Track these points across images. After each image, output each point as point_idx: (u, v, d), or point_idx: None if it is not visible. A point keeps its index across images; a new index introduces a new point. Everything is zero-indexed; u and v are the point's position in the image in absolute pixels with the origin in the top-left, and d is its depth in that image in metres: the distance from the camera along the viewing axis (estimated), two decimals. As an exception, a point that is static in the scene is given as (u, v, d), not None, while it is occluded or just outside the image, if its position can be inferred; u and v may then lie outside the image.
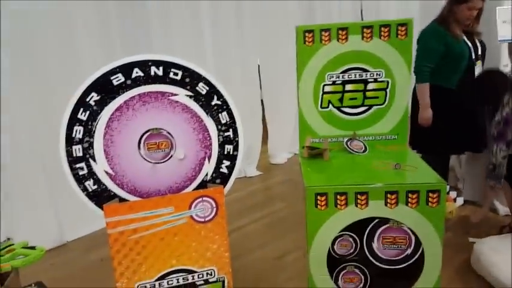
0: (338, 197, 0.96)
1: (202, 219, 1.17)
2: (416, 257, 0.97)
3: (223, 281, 1.22)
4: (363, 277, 1.01)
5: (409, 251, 0.97)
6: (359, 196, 0.95)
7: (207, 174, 1.20)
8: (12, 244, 1.17)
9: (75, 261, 2.31)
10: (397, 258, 0.98)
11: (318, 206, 0.97)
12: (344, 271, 1.01)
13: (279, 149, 3.44)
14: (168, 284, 1.18)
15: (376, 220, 0.97)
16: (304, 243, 2.20)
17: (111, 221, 1.12)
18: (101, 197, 1.13)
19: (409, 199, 0.94)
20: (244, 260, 2.08)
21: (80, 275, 2.14)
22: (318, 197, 0.97)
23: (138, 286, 1.16)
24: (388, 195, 0.95)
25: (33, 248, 1.18)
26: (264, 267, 2.01)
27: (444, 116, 1.84)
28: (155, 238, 1.15)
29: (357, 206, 0.96)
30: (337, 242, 0.99)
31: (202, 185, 1.20)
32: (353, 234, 0.98)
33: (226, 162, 1.20)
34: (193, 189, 1.19)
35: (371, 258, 0.99)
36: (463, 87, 1.84)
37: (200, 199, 1.15)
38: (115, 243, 1.13)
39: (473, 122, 1.99)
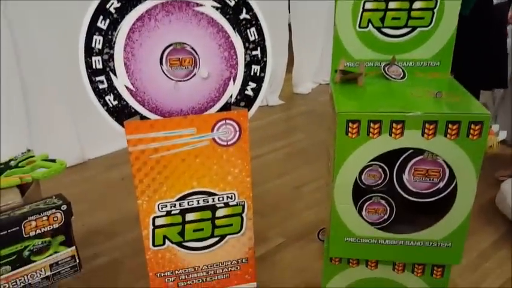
0: (371, 124, 0.90)
1: (225, 143, 1.13)
2: (448, 191, 0.93)
3: (244, 205, 1.21)
4: (388, 208, 0.97)
5: (441, 185, 0.93)
6: (394, 125, 0.89)
7: (231, 96, 1.14)
8: (33, 156, 1.16)
9: (95, 178, 2.36)
10: (427, 191, 0.94)
11: (349, 134, 0.92)
12: (369, 202, 0.98)
13: (303, 78, 3.32)
14: (188, 204, 1.17)
15: (410, 151, 0.91)
16: (322, 174, 2.18)
17: (132, 138, 1.09)
18: (121, 113, 1.09)
19: (449, 130, 0.87)
20: (263, 188, 2.09)
21: (100, 192, 2.19)
22: (350, 124, 0.91)
23: (158, 205, 1.16)
24: (426, 125, 0.88)
25: (53, 161, 1.17)
26: (282, 195, 2.02)
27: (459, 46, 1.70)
28: (176, 159, 1.12)
29: (390, 135, 0.90)
30: (365, 171, 0.95)
31: (226, 107, 1.15)
32: (383, 165, 0.93)
33: (252, 84, 1.13)
34: (217, 111, 1.14)
35: (399, 190, 0.95)
36: (480, 14, 1.68)
37: (223, 122, 1.11)
38: (136, 161, 1.11)
39: (493, 54, 1.85)
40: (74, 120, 2.43)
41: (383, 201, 0.97)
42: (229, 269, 1.27)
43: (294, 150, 2.47)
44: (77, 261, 1.05)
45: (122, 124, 1.10)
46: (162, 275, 1.24)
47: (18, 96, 2.20)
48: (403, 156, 0.92)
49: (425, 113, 0.88)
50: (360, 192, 0.97)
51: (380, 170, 0.94)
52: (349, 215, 0.99)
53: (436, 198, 0.94)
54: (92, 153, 2.55)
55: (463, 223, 0.94)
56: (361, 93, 1.03)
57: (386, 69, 1.09)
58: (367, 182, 0.96)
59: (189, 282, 1.26)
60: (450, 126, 0.87)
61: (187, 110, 1.14)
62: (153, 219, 1.17)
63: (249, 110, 1.14)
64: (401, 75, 1.08)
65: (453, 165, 0.91)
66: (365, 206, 0.98)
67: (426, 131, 0.89)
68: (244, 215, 1.22)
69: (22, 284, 0.96)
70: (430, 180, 0.93)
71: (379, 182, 0.96)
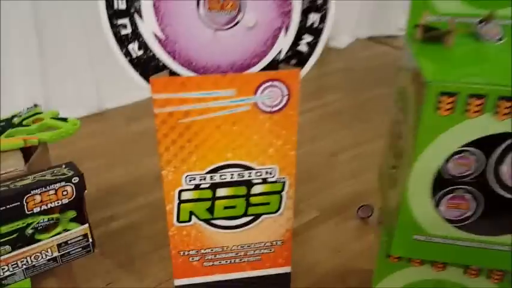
0: (473, 100, 0.69)
1: (269, 109, 0.93)
2: (557, 190, 0.73)
3: (284, 183, 1.03)
4: (474, 204, 0.78)
5: (549, 182, 0.73)
6: (502, 102, 0.68)
7: (280, 52, 0.93)
8: (40, 112, 0.98)
9: (113, 131, 2.20)
10: (529, 188, 0.74)
11: (440, 110, 0.71)
12: (451, 195, 0.79)
13: (340, 31, 3.01)
14: (220, 178, 1.00)
15: (517, 137, 0.71)
16: (361, 140, 1.97)
17: (159, 98, 0.90)
18: (147, 66, 0.90)
19: None
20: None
21: (118, 146, 2.04)
22: (443, 98, 0.70)
23: (186, 177, 0.98)
24: (546, 106, 0.67)
25: (64, 120, 0.99)
26: (315, 163, 1.84)
27: None
28: (210, 125, 0.93)
29: (495, 114, 0.69)
30: (453, 158, 0.75)
31: (273, 65, 0.94)
32: (478, 152, 0.73)
33: (308, 38, 0.92)
34: (261, 70, 0.93)
35: (493, 183, 0.75)
36: None
37: (269, 83, 0.90)
38: (162, 125, 0.92)
39: None
40: (92, 64, 2.23)
41: (468, 196, 0.78)
42: (262, 251, 1.12)
43: (329, 112, 2.25)
44: (90, 240, 0.90)
45: (147, 79, 0.90)
46: (186, 253, 1.09)
47: (32, 37, 2.00)
48: (506, 143, 0.72)
49: (549, 89, 0.66)
50: (441, 184, 0.78)
51: (473, 158, 0.74)
52: (423, 209, 0.80)
53: (539, 198, 0.74)
54: (110, 103, 2.37)
55: None
56: (451, 57, 0.81)
57: (480, 27, 0.85)
58: (454, 171, 0.76)
59: (215, 262, 1.11)
60: None
61: (227, 67, 0.93)
62: (179, 192, 1.00)
63: (301, 69, 0.93)
64: (499, 37, 0.85)
65: None
66: (444, 200, 0.79)
67: (545, 113, 0.68)
68: (284, 193, 1.04)
69: (25, 266, 0.82)
70: (535, 175, 0.73)
71: (469, 172, 0.76)
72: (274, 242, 1.11)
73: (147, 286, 1.29)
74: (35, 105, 1.00)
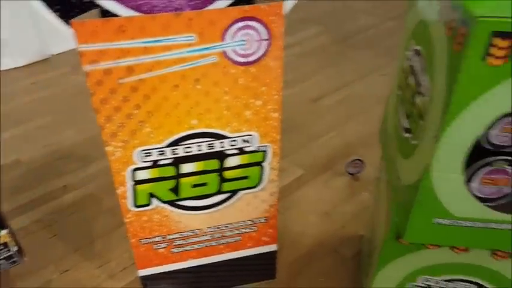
0: (537, 43, 0.47)
1: (243, 59, 0.69)
2: None
3: (266, 151, 0.82)
4: (516, 180, 0.60)
5: None
6: None
7: (253, -22, 0.67)
8: None
9: (61, 81, 1.90)
10: None
11: (490, 57, 0.49)
12: (488, 168, 0.59)
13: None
14: (184, 151, 0.78)
15: None
16: (346, 81, 1.74)
17: (89, 50, 0.64)
18: (68, 3, 0.63)
19: None
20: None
21: (67, 100, 1.75)
22: (496, 40, 0.48)
23: (140, 152, 0.76)
24: None
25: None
26: (296, 111, 1.62)
27: None
28: (165, 84, 0.69)
29: None
30: (499, 124, 0.55)
31: (245, -3, 0.69)
32: (534, 115, 0.53)
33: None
34: (231, 5, 0.68)
35: (547, 154, 0.56)
36: None
37: (242, 23, 0.66)
38: (98, 88, 0.68)
39: None
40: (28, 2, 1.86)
41: (510, 169, 0.59)
42: (242, 230, 0.93)
43: (309, 49, 1.99)
44: (14, 249, 0.68)
45: (68, 22, 0.64)
46: (149, 241, 0.89)
47: None
48: None
49: None
50: (477, 155, 0.58)
51: (525, 122, 0.54)
52: (450, 187, 0.62)
53: None
54: (56, 47, 2.03)
55: None
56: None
57: None
58: (498, 140, 0.56)
59: (187, 248, 0.93)
60: None
61: (181, 2, 0.67)
62: (133, 171, 0.78)
63: (284, 2, 0.68)
64: None
65: None
66: (479, 174, 0.60)
67: None
68: (266, 164, 0.84)
69: None
70: None
71: (517, 141, 0.56)
72: (257, 220, 0.92)
73: (110, 272, 1.10)
74: None
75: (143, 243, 0.89)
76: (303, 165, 1.37)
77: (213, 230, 0.91)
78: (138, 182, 0.80)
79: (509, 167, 0.59)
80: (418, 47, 0.67)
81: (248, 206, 0.89)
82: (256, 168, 0.84)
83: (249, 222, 0.92)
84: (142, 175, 0.79)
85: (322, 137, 1.48)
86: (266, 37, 0.68)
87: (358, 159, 1.30)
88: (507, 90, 0.51)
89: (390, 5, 2.23)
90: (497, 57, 0.49)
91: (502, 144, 0.56)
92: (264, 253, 0.99)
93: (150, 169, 0.79)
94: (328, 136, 1.48)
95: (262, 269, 1.04)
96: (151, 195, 0.82)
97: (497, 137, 0.56)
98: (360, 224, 1.16)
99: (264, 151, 0.82)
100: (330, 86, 1.70)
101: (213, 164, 0.81)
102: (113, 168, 0.77)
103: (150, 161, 0.77)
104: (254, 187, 0.87)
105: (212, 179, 0.83)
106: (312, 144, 1.46)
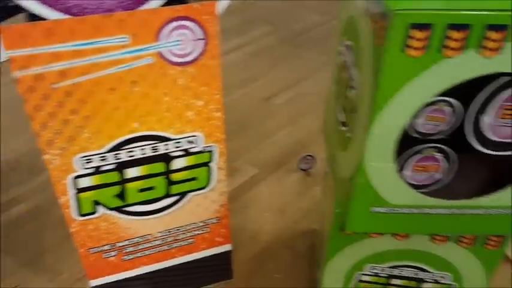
0: (451, 33, 0.50)
1: (180, 59, 0.69)
2: (546, 139, 0.59)
3: (212, 152, 0.82)
4: (445, 165, 0.63)
5: (538, 131, 0.58)
6: (489, 33, 0.50)
7: (185, -22, 0.67)
8: None
9: (5, 89, 1.81)
10: (513, 140, 0.59)
11: (409, 49, 0.51)
12: (418, 156, 0.62)
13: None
14: (127, 155, 0.76)
15: (505, 79, 0.54)
16: (297, 79, 1.78)
17: (19, 55, 0.62)
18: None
19: None
20: (223, 101, 1.67)
21: (11, 108, 1.68)
22: (413, 32, 0.50)
23: (80, 159, 0.74)
24: (543, 34, 0.50)
25: None
26: (248, 110, 1.63)
27: None
28: (100, 88, 0.68)
29: (480, 51, 0.51)
30: (424, 113, 0.57)
31: (178, -3, 0.69)
32: (455, 102, 0.56)
33: (222, -44, 0.66)
34: (164, 5, 0.67)
35: (471, 138, 0.60)
36: None
37: (175, 23, 0.66)
38: (30, 94, 0.66)
39: None
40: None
41: (439, 155, 0.62)
42: (195, 232, 0.93)
43: (259, 49, 2.01)
44: None
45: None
46: (98, 250, 0.87)
47: None
48: (490, 86, 0.55)
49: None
50: (406, 144, 0.61)
51: (448, 109, 0.57)
52: (384, 176, 0.64)
53: (524, 150, 0.60)
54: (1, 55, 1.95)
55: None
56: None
57: None
58: (424, 128, 0.59)
59: (138, 254, 0.91)
60: None
61: (111, 3, 0.66)
62: (74, 179, 0.76)
63: (218, 1, 0.68)
64: None
65: None
66: (410, 162, 0.63)
67: (541, 43, 0.51)
68: (213, 164, 0.84)
69: None
70: (524, 123, 0.58)
71: (442, 128, 0.59)
72: (209, 221, 0.92)
73: (62, 285, 1.06)
74: None
75: (92, 253, 0.87)
76: (257, 164, 1.38)
77: (164, 234, 0.90)
78: (80, 190, 0.78)
79: (438, 154, 0.62)
80: (349, 42, 0.69)
81: (198, 208, 0.89)
82: (203, 169, 0.84)
83: (201, 224, 0.92)
84: (84, 182, 0.77)
85: (275, 135, 1.50)
86: (202, 36, 0.68)
87: (309, 155, 1.32)
88: (427, 80, 0.54)
89: (337, 4, 2.28)
90: (415, 49, 0.51)
91: (428, 132, 0.59)
92: (218, 254, 0.99)
93: (92, 176, 0.77)
94: (281, 134, 1.49)
95: (218, 270, 1.03)
96: (96, 203, 0.80)
97: (423, 126, 0.59)
98: (313, 218, 1.18)
99: (210, 151, 0.82)
100: (280, 84, 1.72)
101: (159, 167, 0.80)
102: (53, 177, 0.75)
103: (92, 167, 0.76)
104: (203, 188, 0.86)
105: (159, 183, 0.82)
106: (265, 142, 1.47)
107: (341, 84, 0.75)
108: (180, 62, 0.70)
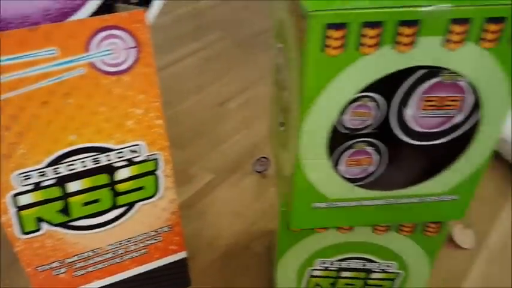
0: (366, 30, 0.52)
1: (114, 68, 0.69)
2: (467, 127, 0.62)
3: (157, 160, 0.81)
4: (376, 158, 0.65)
5: (458, 119, 0.61)
6: (403, 29, 0.53)
7: (113, -13, 0.67)
8: None
9: None
10: (437, 129, 0.62)
11: (328, 49, 0.53)
12: (350, 151, 0.64)
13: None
14: (68, 169, 0.75)
15: (422, 72, 0.57)
16: (250, 83, 1.80)
17: None
18: None
19: (486, 33, 0.53)
20: (177, 109, 1.67)
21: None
22: (330, 32, 0.52)
23: (17, 176, 0.72)
24: (453, 27, 0.53)
25: None
26: (203, 116, 1.63)
27: None
28: (32, 102, 0.66)
29: (395, 46, 0.54)
30: (349, 109, 0.59)
31: (107, 7, 0.68)
32: (378, 97, 0.58)
33: (148, -36, 0.67)
34: (91, 16, 0.67)
35: (397, 131, 0.62)
36: None
37: (105, 33, 0.65)
38: (-44, 113, 0.63)
39: None
40: None
41: (370, 149, 0.65)
42: (147, 242, 0.92)
43: (212, 54, 2.02)
44: None
45: None
46: (47, 267, 0.85)
47: None
48: (409, 80, 0.58)
49: (455, 5, 0.52)
50: (337, 140, 0.63)
51: (372, 104, 0.59)
52: (320, 172, 0.66)
53: (448, 138, 0.63)
54: None
55: (480, 168, 0.66)
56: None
57: None
58: (351, 124, 0.61)
59: (89, 269, 0.89)
60: (488, 27, 0.53)
61: (38, 16, 0.65)
62: (13, 197, 0.74)
63: (147, 9, 0.68)
64: None
65: (481, 88, 0.58)
66: (344, 158, 0.65)
67: (451, 36, 0.54)
68: (159, 172, 0.83)
69: None
70: (444, 113, 0.61)
71: (369, 122, 0.61)
72: (160, 230, 0.91)
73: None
74: None
75: (41, 271, 0.85)
76: (213, 170, 1.38)
77: (114, 246, 0.89)
78: (21, 208, 0.75)
79: (369, 147, 0.65)
80: (280, 45, 0.71)
81: (149, 217, 0.88)
82: (150, 178, 0.83)
83: (153, 233, 0.91)
84: (24, 200, 0.75)
85: (230, 140, 1.50)
86: (133, 45, 0.68)
87: (264, 157, 1.34)
88: (348, 77, 0.56)
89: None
90: (334, 48, 0.53)
91: (356, 127, 0.62)
92: (173, 262, 0.98)
93: (33, 192, 0.75)
94: (236, 138, 1.50)
95: (176, 279, 1.03)
96: (40, 220, 0.78)
97: (350, 121, 0.61)
98: (269, 218, 1.20)
99: (155, 159, 0.82)
100: (234, 89, 1.73)
101: (102, 178, 0.79)
102: (-10, 197, 0.72)
103: (31, 184, 0.74)
104: (151, 197, 0.86)
105: (104, 195, 0.81)
106: (221, 147, 1.48)
107: (278, 85, 0.76)
108: (114, 72, 0.69)
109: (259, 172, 1.34)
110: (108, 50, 0.67)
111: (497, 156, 1.41)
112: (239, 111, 1.62)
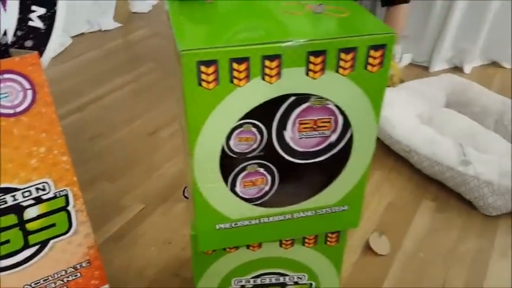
0: (235, 65, 0.58)
1: (11, 110, 0.71)
2: (342, 144, 0.69)
3: (67, 195, 0.83)
4: (269, 177, 0.71)
5: (333, 138, 0.68)
6: (268, 62, 0.59)
7: (5, 33, 0.69)
8: None
9: None
10: (316, 148, 0.69)
11: (204, 83, 0.59)
12: (244, 173, 0.69)
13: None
14: (-29, 212, 0.75)
15: (292, 98, 0.63)
16: (176, 114, 1.84)
17: None
18: None
19: (342, 62, 0.61)
20: (109, 140, 1.68)
21: None
22: (203, 68, 0.57)
23: None
24: (311, 58, 0.60)
25: None
26: (134, 147, 1.65)
27: None
28: None
29: (264, 78, 0.60)
30: (234, 135, 0.65)
31: (2, 52, 0.70)
32: (257, 123, 0.64)
33: (39, 10, 0.70)
34: (-17, 61, 0.69)
35: (281, 152, 0.68)
36: None
37: (0, 77, 0.67)
38: None
39: None
40: None
41: (262, 170, 0.70)
42: (66, 280, 0.92)
43: (143, 86, 2.05)
44: None
45: None
46: (-43, 316, 0.82)
47: None
48: (283, 106, 0.64)
49: (309, 39, 0.59)
50: (230, 164, 0.68)
51: (254, 130, 0.65)
52: (218, 195, 0.70)
53: (328, 155, 0.70)
54: None
55: (362, 179, 0.74)
56: (212, 14, 0.69)
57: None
58: (239, 148, 0.66)
59: (6, 312, 0.87)
60: (344, 56, 0.61)
61: None
62: None
63: (41, 54, 0.71)
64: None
65: (347, 110, 0.66)
66: (239, 180, 0.70)
67: (312, 66, 0.61)
68: (70, 207, 0.84)
69: None
70: (319, 134, 0.68)
71: (255, 146, 0.67)
72: (79, 266, 0.92)
73: None
74: None
75: (-50, 321, 0.82)
76: (144, 199, 1.40)
77: (32, 287, 0.88)
78: None
79: (261, 168, 0.70)
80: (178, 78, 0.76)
81: (64, 254, 0.89)
82: (61, 214, 0.84)
83: (71, 270, 0.91)
84: None
85: (161, 168, 1.52)
86: (29, 87, 0.70)
87: (193, 183, 1.37)
88: (227, 107, 0.61)
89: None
90: (208, 82, 0.59)
91: (243, 151, 0.67)
92: (97, 296, 0.98)
93: None
94: (166, 166, 1.53)
95: (102, 312, 1.02)
96: None
97: (237, 146, 0.66)
98: (198, 243, 1.22)
99: (65, 195, 0.83)
100: (164, 119, 1.76)
101: (10, 219, 0.79)
102: None
103: None
104: (65, 233, 0.86)
105: (14, 235, 0.81)
106: (153, 176, 1.49)
107: (181, 117, 0.81)
108: (12, 113, 0.71)
109: (187, 198, 1.36)
110: (5, 93, 0.69)
111: (409, 166, 1.52)
112: (169, 140, 1.65)
